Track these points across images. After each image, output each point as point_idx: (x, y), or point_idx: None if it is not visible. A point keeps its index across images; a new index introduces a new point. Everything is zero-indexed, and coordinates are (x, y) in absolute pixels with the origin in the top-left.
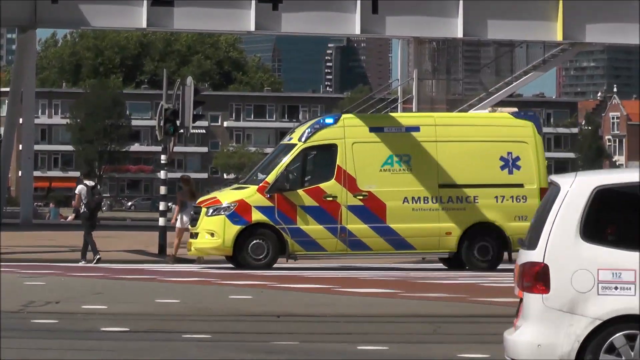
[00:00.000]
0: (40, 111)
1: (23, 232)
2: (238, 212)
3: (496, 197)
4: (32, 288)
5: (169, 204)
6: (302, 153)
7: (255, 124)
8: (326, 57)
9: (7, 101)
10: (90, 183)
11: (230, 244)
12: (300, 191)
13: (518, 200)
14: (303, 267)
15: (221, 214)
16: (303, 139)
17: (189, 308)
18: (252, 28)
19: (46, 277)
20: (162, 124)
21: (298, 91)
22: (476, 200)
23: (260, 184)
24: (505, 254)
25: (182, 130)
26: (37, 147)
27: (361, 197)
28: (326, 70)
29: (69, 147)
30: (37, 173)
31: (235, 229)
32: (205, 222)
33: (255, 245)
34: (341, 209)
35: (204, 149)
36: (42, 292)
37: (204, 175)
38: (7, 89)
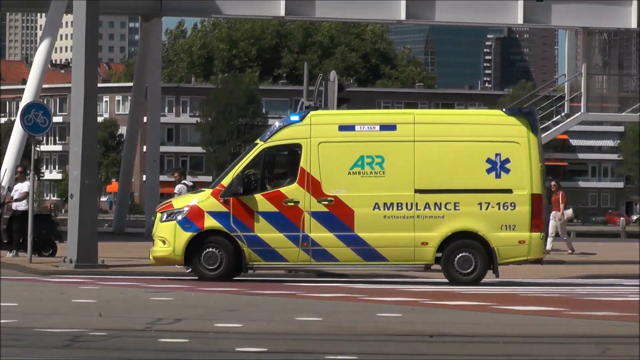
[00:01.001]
0: (166, 109)
1: (148, 243)
2: (189, 218)
3: (480, 203)
4: (159, 304)
5: None
6: (262, 153)
7: None
8: (485, 50)
9: (130, 98)
10: (190, 183)
11: (181, 253)
12: (258, 195)
13: (505, 207)
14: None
15: (172, 220)
16: (264, 139)
17: (332, 327)
18: (403, 17)
19: (174, 292)
20: None
21: (453, 87)
22: (457, 207)
23: (215, 187)
24: (501, 268)
25: None
26: (163, 148)
27: (326, 203)
28: (485, 64)
29: (198, 149)
30: (163, 177)
31: (185, 236)
32: (159, 229)
33: (208, 254)
34: (303, 215)
35: None
36: (170, 308)
37: None
38: (130, 84)
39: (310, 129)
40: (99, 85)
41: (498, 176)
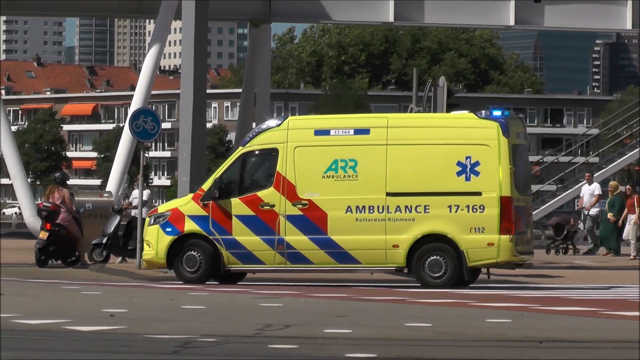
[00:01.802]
0: (275, 114)
1: None
2: (171, 222)
3: (450, 206)
4: (268, 310)
5: None
6: (241, 158)
7: None
8: (593, 55)
9: (239, 104)
10: None
11: (163, 256)
12: (235, 199)
13: (474, 210)
14: (567, 287)
15: (156, 224)
16: (244, 143)
17: (442, 333)
18: (512, 22)
19: (283, 298)
20: None
21: (562, 93)
22: (427, 210)
23: (196, 192)
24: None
25: None
26: None
27: (301, 206)
28: (593, 70)
29: None
30: None
31: (167, 239)
32: (147, 232)
33: (188, 257)
34: (279, 218)
35: None
36: (280, 314)
37: None
38: (239, 90)
39: (287, 134)
40: (208, 91)
41: (468, 179)
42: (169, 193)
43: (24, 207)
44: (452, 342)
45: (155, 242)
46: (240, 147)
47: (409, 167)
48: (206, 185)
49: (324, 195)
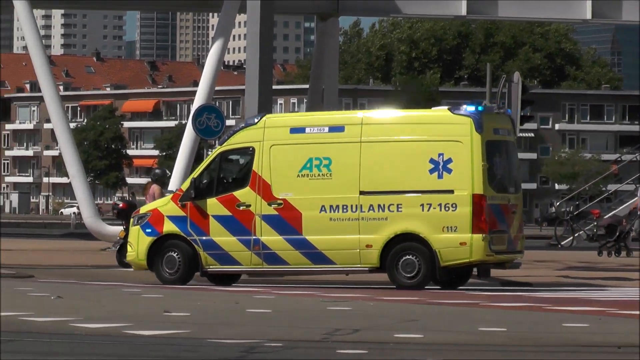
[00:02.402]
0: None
1: None
2: (151, 223)
3: (422, 204)
4: (337, 314)
5: None
6: (219, 158)
7: (591, 127)
8: None
9: (305, 100)
10: None
11: (144, 257)
12: (212, 199)
13: (447, 208)
14: None
15: (137, 224)
16: (221, 142)
17: (516, 337)
18: (589, 16)
19: (352, 301)
20: None
21: None
22: (400, 209)
23: (175, 192)
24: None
25: None
26: None
27: (276, 206)
28: None
29: None
30: None
31: (147, 240)
32: (130, 233)
33: (168, 258)
34: (255, 218)
35: (533, 155)
36: (348, 318)
37: (533, 186)
38: (305, 86)
39: (263, 132)
40: (274, 87)
41: (440, 177)
42: None
43: (83, 207)
44: (528, 347)
45: (136, 243)
46: (218, 146)
47: (382, 165)
48: (184, 186)
49: (299, 195)
